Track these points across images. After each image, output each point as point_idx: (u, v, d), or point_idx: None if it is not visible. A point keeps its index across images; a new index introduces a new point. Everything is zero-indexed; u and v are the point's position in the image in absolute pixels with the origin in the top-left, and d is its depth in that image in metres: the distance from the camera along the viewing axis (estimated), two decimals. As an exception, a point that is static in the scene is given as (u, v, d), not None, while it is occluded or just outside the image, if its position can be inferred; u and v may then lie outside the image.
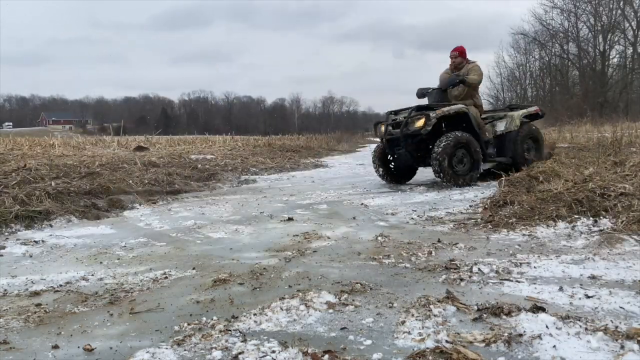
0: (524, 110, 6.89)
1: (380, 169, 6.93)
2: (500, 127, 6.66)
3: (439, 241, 3.22)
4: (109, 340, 1.82)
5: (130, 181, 6.02)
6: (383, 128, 6.64)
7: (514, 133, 6.62)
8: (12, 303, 2.27)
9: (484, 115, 6.76)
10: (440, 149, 5.88)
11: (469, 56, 6.67)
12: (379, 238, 3.37)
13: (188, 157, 9.48)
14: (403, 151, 6.39)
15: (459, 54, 6.57)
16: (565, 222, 3.43)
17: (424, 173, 7.25)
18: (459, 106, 6.19)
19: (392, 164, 6.91)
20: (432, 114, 6.01)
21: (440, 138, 6.00)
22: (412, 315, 1.94)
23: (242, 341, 1.75)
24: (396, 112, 6.60)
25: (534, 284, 2.31)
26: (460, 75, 6.34)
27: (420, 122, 6.03)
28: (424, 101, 6.71)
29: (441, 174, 5.95)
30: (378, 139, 7.15)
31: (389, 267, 2.69)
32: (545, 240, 3.15)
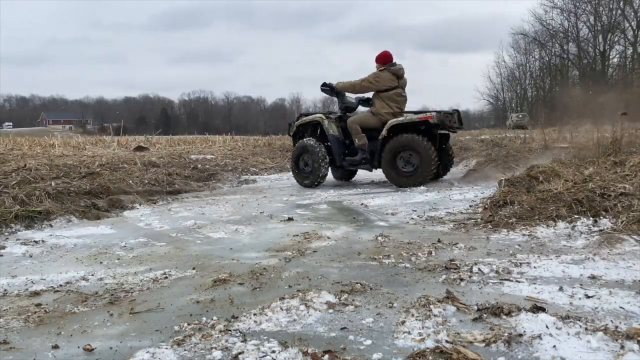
0: (400, 118, 6.32)
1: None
2: (383, 134, 6.37)
3: (439, 241, 3.22)
4: (109, 340, 1.82)
5: (130, 181, 6.02)
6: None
7: (380, 141, 6.33)
8: (12, 303, 2.28)
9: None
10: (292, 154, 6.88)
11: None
12: (379, 238, 3.37)
13: (188, 157, 9.48)
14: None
15: (376, 60, 6.67)
16: (565, 222, 3.43)
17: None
18: (315, 116, 6.88)
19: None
20: (295, 122, 7.07)
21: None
22: (412, 315, 1.94)
23: (242, 341, 1.75)
24: (306, 115, 7.24)
25: (534, 284, 2.31)
26: (331, 84, 6.80)
27: (292, 128, 7.11)
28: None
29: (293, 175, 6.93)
30: None
31: (389, 267, 2.69)
32: (545, 240, 3.15)
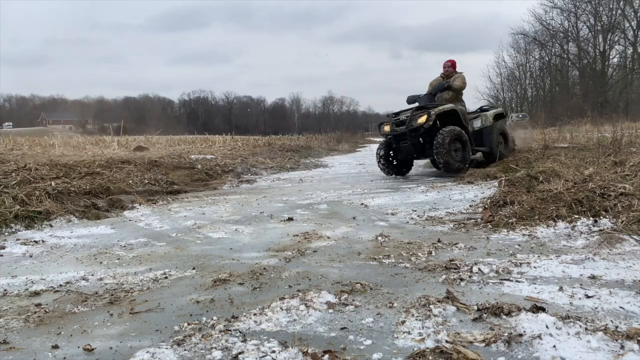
0: (494, 111, 8.34)
1: (382, 161, 8.07)
2: (477, 124, 7.96)
3: (439, 241, 3.22)
4: (109, 340, 1.82)
5: (130, 181, 6.02)
6: (387, 127, 7.88)
7: (488, 128, 7.98)
8: (12, 303, 2.28)
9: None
10: (440, 140, 7.15)
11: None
12: (379, 238, 3.37)
13: (188, 157, 9.48)
14: (408, 144, 7.58)
15: (451, 65, 7.97)
16: (565, 222, 3.43)
17: (417, 168, 8.66)
18: (450, 105, 7.50)
19: (393, 158, 8.09)
20: (432, 111, 7.32)
21: (440, 131, 7.25)
22: (412, 315, 1.94)
23: (242, 341, 1.75)
24: (397, 114, 7.86)
25: (534, 284, 2.31)
26: (448, 82, 7.70)
27: (422, 119, 7.30)
28: (414, 106, 7.96)
29: (441, 162, 7.23)
30: (381, 138, 8.49)
31: (389, 267, 2.69)
32: (545, 240, 3.16)
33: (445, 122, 7.39)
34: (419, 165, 9.43)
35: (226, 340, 1.76)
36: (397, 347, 1.69)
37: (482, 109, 8.50)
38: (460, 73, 7.87)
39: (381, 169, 8.14)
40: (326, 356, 1.62)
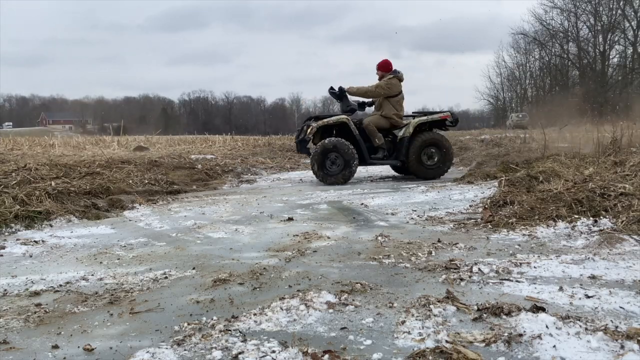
0: (418, 119, 7.29)
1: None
2: (400, 133, 7.29)
3: (439, 241, 3.22)
4: (109, 340, 1.82)
5: (130, 181, 6.02)
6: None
7: (406, 139, 7.21)
8: (12, 303, 2.28)
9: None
10: (313, 153, 7.01)
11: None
12: (379, 238, 3.37)
13: (188, 157, 9.47)
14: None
15: (378, 68, 7.39)
16: (565, 222, 3.43)
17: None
18: (340, 117, 7.17)
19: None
20: (313, 124, 7.17)
21: (317, 144, 7.04)
22: (412, 315, 1.94)
23: (242, 341, 1.75)
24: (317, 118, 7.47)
25: (534, 284, 2.31)
26: (342, 87, 7.21)
27: (309, 130, 7.19)
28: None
29: (317, 174, 7.01)
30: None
31: (389, 267, 2.69)
32: (545, 240, 3.16)
33: (341, 133, 7.14)
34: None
35: (226, 340, 1.76)
36: (397, 347, 1.69)
37: (414, 115, 7.58)
38: (389, 77, 7.22)
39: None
40: (326, 356, 1.62)
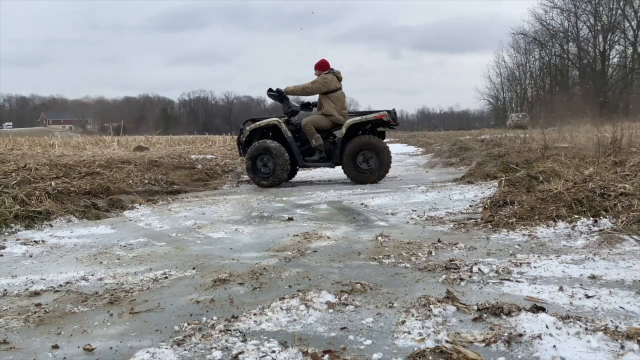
0: (357, 118, 6.97)
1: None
2: (338, 134, 7.08)
3: (439, 241, 3.22)
4: (109, 340, 1.82)
5: (130, 181, 6.02)
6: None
7: (339, 141, 6.97)
8: (12, 303, 2.28)
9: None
10: (246, 156, 6.99)
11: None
12: (379, 238, 3.37)
13: (188, 157, 9.47)
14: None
15: (315, 68, 7.21)
16: (565, 222, 3.43)
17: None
18: (272, 120, 7.09)
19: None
20: (247, 127, 7.19)
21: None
22: (412, 315, 1.94)
23: (242, 341, 1.75)
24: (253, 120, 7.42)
25: (534, 284, 2.31)
26: (279, 89, 7.09)
27: (245, 132, 7.21)
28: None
29: (250, 179, 7.05)
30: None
31: (389, 267, 2.69)
32: (545, 240, 3.16)
33: (275, 136, 7.09)
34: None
35: (226, 340, 1.76)
36: (397, 347, 1.69)
37: (350, 115, 7.22)
38: (324, 73, 7.06)
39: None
40: (326, 356, 1.62)
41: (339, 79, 7.13)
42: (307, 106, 7.53)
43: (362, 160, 6.92)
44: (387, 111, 7.00)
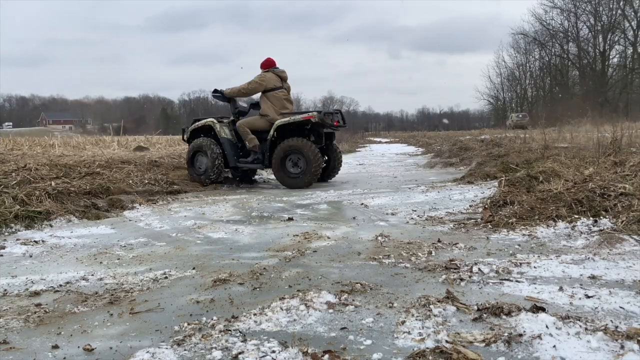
0: (285, 119, 6.64)
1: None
2: (271, 134, 6.80)
3: (439, 241, 3.22)
4: (109, 340, 1.82)
5: (130, 181, 6.02)
6: None
7: (269, 142, 6.77)
8: (12, 303, 2.27)
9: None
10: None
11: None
12: (379, 238, 3.37)
13: (188, 157, 9.46)
14: None
15: (260, 67, 7.09)
16: (565, 222, 3.43)
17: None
18: (207, 121, 7.16)
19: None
20: (189, 128, 7.33)
21: None
22: (412, 315, 1.94)
23: (242, 341, 1.75)
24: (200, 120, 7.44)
25: (534, 284, 2.31)
26: (221, 90, 7.08)
27: (187, 133, 7.34)
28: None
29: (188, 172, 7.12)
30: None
31: (389, 267, 2.69)
32: (545, 240, 3.16)
33: (215, 135, 7.07)
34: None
35: (226, 340, 1.76)
36: (397, 347, 1.69)
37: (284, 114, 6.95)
38: (263, 72, 6.99)
39: None
40: (326, 356, 1.62)
41: (282, 78, 6.97)
42: (257, 105, 7.35)
43: (291, 164, 6.67)
44: (318, 112, 6.70)
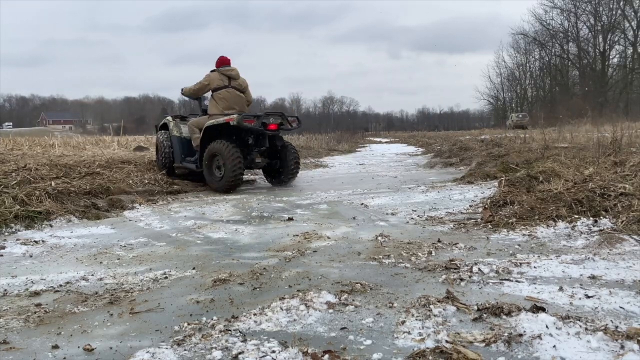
0: (212, 121, 6.44)
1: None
2: (199, 136, 6.67)
3: (439, 241, 3.22)
4: (109, 340, 1.82)
5: (130, 181, 6.02)
6: None
7: (200, 144, 6.61)
8: (12, 303, 2.27)
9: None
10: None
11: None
12: (379, 238, 3.37)
13: (188, 157, 9.46)
14: None
15: (215, 64, 6.95)
16: (565, 222, 3.43)
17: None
18: (168, 117, 7.49)
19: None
20: (159, 125, 7.62)
21: None
22: (412, 315, 1.94)
23: (242, 341, 1.75)
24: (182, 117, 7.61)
25: (534, 284, 2.31)
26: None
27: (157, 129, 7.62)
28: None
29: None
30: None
31: (389, 267, 2.69)
32: (545, 240, 3.16)
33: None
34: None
35: (226, 340, 1.76)
36: (397, 347, 1.69)
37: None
38: (210, 71, 6.87)
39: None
40: (326, 356, 1.62)
41: (229, 77, 6.74)
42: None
43: (216, 167, 6.44)
44: (238, 114, 6.36)
